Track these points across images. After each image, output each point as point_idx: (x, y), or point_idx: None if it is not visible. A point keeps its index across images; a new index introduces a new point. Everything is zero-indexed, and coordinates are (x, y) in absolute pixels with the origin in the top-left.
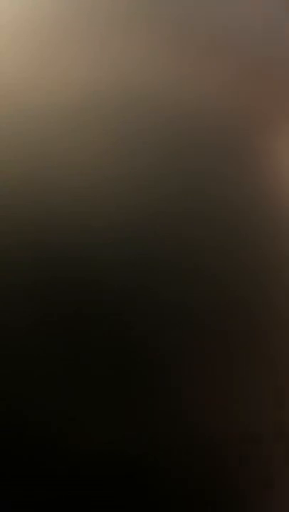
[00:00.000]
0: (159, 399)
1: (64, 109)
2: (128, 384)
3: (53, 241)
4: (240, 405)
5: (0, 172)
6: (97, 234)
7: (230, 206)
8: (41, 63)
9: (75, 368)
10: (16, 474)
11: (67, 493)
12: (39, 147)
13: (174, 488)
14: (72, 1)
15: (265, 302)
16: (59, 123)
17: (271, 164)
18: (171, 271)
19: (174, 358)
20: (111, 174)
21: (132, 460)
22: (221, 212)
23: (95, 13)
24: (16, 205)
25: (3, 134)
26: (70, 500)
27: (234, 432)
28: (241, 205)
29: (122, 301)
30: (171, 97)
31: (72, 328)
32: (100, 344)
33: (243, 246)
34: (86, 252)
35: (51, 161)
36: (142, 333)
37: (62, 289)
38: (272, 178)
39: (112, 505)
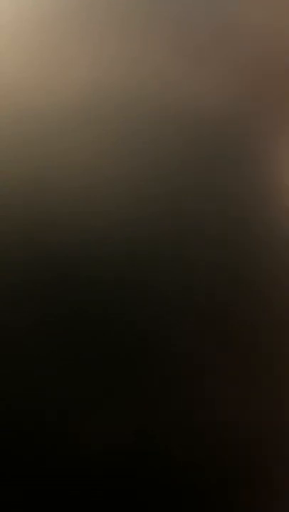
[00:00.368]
0: (159, 399)
1: (64, 109)
2: (128, 384)
3: (53, 241)
4: (241, 402)
5: (0, 172)
6: (97, 234)
7: (230, 204)
8: (41, 63)
9: (75, 368)
10: (16, 474)
11: (68, 492)
12: (39, 147)
13: (173, 488)
14: (71, 1)
15: (267, 298)
16: (59, 123)
17: (271, 163)
18: (172, 270)
19: (175, 357)
20: (111, 174)
21: (131, 460)
22: (220, 211)
23: (94, 13)
24: (16, 205)
25: (3, 134)
26: (71, 500)
27: (238, 423)
28: (241, 204)
29: (122, 300)
30: (171, 96)
31: (72, 328)
32: (100, 344)
33: (243, 245)
34: (86, 251)
35: (51, 161)
36: (142, 332)
37: (62, 289)
38: (272, 176)
39: (112, 505)
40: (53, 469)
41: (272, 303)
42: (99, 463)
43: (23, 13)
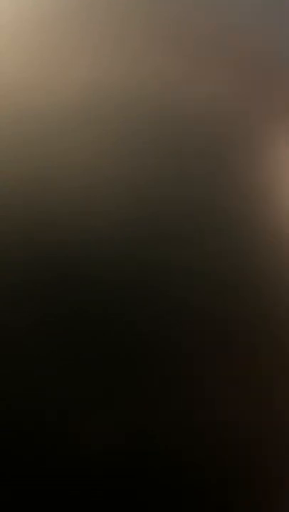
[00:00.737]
0: (159, 399)
1: (64, 109)
2: (128, 384)
3: (53, 240)
4: (242, 400)
5: (0, 172)
6: (97, 234)
7: (231, 204)
8: (41, 63)
9: (75, 368)
10: (16, 474)
11: (68, 492)
12: (39, 147)
13: (173, 488)
14: (71, 1)
15: (269, 296)
16: (59, 123)
17: (272, 161)
18: (172, 270)
19: (175, 357)
20: (111, 174)
21: (131, 460)
22: (220, 211)
23: (94, 13)
24: (16, 205)
25: (3, 134)
26: (71, 500)
27: (238, 422)
28: (241, 204)
29: (122, 300)
30: (171, 96)
31: (72, 328)
32: (100, 344)
33: (243, 246)
34: (86, 251)
35: (51, 161)
36: (142, 332)
37: (62, 289)
38: (272, 175)
39: (112, 505)
40: (52, 469)
41: (272, 303)
42: (99, 463)
43: (23, 13)
